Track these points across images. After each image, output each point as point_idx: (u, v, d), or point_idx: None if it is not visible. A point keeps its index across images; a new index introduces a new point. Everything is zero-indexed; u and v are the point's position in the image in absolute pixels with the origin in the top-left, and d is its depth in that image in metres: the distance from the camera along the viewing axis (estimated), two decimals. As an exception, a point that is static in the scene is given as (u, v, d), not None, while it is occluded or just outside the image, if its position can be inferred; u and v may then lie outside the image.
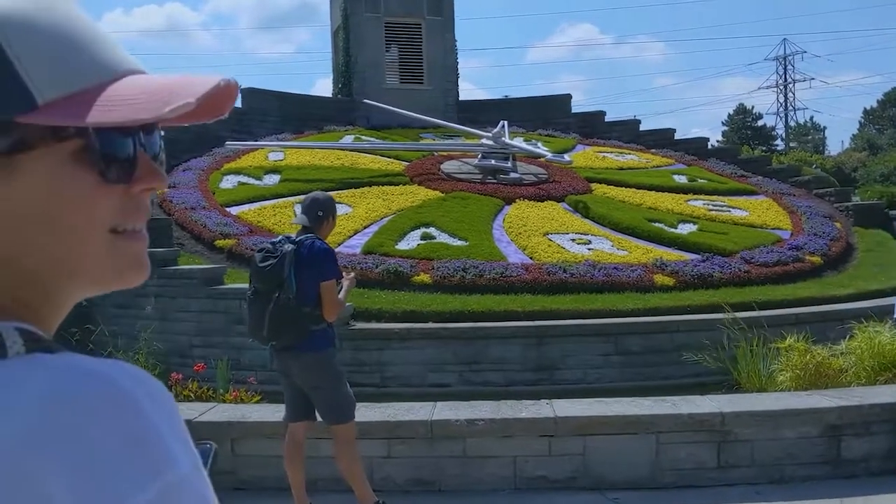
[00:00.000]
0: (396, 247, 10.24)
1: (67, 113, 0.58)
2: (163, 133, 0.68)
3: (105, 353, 8.49)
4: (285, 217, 11.35)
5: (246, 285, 8.96)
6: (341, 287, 4.40)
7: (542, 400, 5.13)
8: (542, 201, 12.71)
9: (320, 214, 4.43)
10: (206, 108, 0.60)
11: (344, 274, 4.55)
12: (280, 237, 4.48)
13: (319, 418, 4.39)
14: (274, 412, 5.13)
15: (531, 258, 10.16)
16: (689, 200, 13.55)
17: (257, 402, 6.71)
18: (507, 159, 14.02)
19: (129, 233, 0.64)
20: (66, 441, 0.52)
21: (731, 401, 5.09)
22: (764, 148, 45.51)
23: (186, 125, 0.66)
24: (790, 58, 61.79)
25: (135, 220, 0.64)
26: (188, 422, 4.64)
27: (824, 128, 74.46)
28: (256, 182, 13.20)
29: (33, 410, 0.53)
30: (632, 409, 4.92)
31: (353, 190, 12.72)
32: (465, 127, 16.21)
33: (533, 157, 14.24)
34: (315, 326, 4.25)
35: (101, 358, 0.59)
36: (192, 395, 7.03)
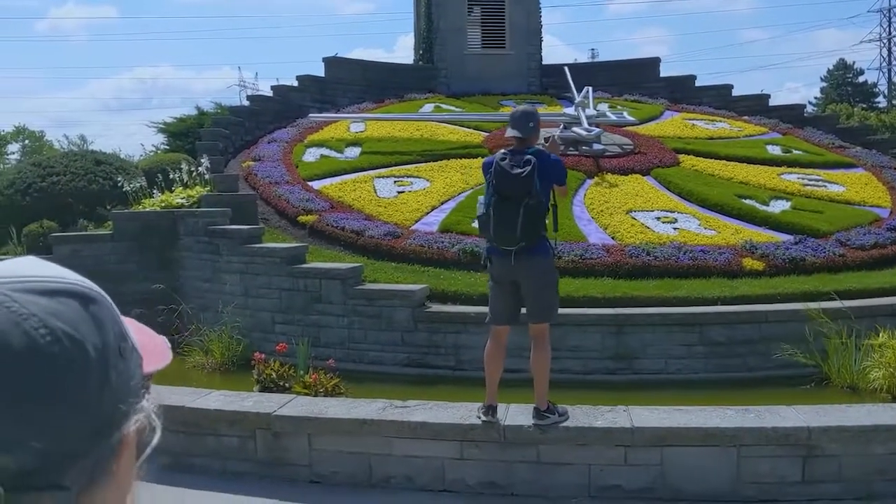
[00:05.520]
0: (474, 225, 10.13)
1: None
2: None
3: (190, 328, 8.80)
4: (365, 192, 11.39)
5: (329, 264, 9.08)
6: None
7: (619, 407, 5.01)
8: (627, 175, 12.29)
9: (531, 126, 4.92)
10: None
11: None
12: (502, 150, 4.94)
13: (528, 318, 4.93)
14: (350, 408, 5.19)
15: (613, 238, 9.88)
16: (782, 174, 12.90)
17: (335, 384, 6.86)
18: (590, 129, 13.61)
19: None
20: None
21: (819, 413, 4.85)
22: (864, 105, 43.04)
23: None
24: (895, 9, 57.76)
25: None
26: (266, 415, 4.69)
27: (933, 83, 69.55)
28: (338, 155, 13.27)
29: None
30: (713, 421, 4.76)
31: (430, 163, 12.65)
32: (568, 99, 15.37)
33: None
34: (544, 232, 4.83)
35: None
36: (273, 373, 7.24)
